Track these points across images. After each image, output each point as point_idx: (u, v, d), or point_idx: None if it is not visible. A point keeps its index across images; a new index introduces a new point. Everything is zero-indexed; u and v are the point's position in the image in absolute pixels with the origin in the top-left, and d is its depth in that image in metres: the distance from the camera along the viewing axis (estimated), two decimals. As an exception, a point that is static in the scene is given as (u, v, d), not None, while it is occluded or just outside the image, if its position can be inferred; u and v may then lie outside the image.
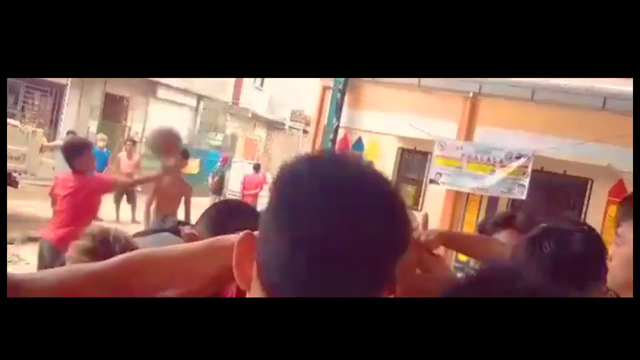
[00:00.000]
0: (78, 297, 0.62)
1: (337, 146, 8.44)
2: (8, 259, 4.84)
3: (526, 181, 7.12)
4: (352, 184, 0.48)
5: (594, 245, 1.09)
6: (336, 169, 0.49)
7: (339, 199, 0.46)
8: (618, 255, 1.12)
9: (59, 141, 10.12)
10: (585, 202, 7.08)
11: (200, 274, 0.67)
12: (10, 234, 6.51)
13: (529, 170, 7.13)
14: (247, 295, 0.52)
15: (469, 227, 7.61)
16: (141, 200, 8.99)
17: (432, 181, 7.82)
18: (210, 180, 11.33)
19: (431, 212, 7.59)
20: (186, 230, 1.38)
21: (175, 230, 1.41)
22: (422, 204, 8.16)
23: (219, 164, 11.66)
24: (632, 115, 5.77)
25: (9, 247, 6.11)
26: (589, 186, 7.07)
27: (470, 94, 7.66)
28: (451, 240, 1.27)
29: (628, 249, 1.09)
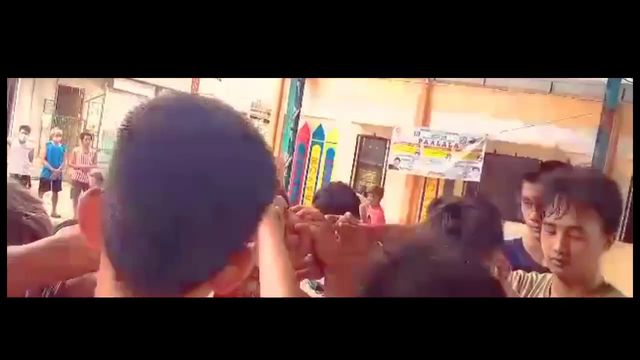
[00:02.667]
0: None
1: (298, 134, 8.50)
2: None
3: (480, 164, 7.38)
4: (194, 134, 0.42)
5: (485, 214, 1.13)
6: (176, 117, 0.43)
7: (178, 155, 0.41)
8: (587, 248, 1.08)
9: (11, 137, 9.77)
10: (536, 182, 7.39)
11: None
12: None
13: (483, 153, 7.38)
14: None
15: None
16: (100, 195, 8.81)
17: (391, 167, 7.99)
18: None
19: (391, 197, 7.67)
20: None
21: None
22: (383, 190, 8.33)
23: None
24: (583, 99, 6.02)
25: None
26: (538, 167, 7.38)
27: (426, 81, 7.83)
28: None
29: (595, 239, 1.08)
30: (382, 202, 6.67)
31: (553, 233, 1.12)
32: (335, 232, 0.99)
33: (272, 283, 0.81)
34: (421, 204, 8.13)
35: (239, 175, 0.43)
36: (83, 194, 0.48)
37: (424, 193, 8.16)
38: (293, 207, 0.99)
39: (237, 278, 0.47)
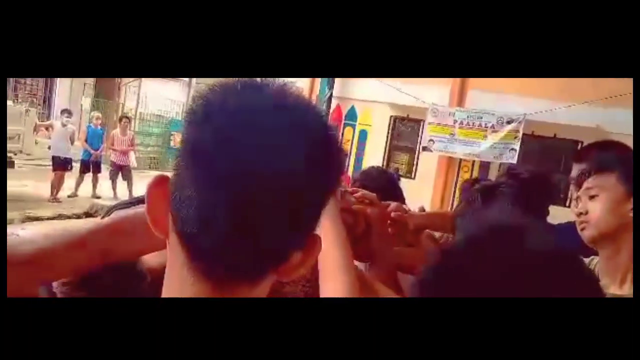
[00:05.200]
0: (60, 262, 0.65)
1: (331, 116, 8.46)
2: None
3: (517, 145, 7.19)
4: (272, 115, 0.43)
5: (522, 189, 1.10)
6: (254, 99, 0.44)
7: (257, 133, 0.41)
8: (601, 201, 1.13)
9: (53, 120, 10.08)
10: (576, 164, 7.16)
11: None
12: (8, 215, 6.59)
13: (520, 134, 7.19)
14: (167, 246, 0.48)
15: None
16: (137, 177, 9.04)
17: (424, 148, 7.87)
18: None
19: (424, 179, 7.56)
20: None
21: None
22: (415, 172, 8.23)
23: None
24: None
25: (9, 227, 6.20)
26: (578, 148, 7.14)
27: (461, 60, 7.65)
28: (430, 222, 1.22)
29: (611, 194, 1.12)
30: (416, 185, 6.60)
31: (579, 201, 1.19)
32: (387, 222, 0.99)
33: (332, 266, 0.81)
34: (455, 187, 8.01)
35: (312, 157, 0.43)
36: (150, 179, 0.47)
37: (458, 175, 8.03)
38: (350, 189, 0.98)
39: (303, 265, 0.47)
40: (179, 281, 0.46)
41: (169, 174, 0.47)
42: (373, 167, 2.08)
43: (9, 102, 8.67)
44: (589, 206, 1.16)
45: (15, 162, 8.20)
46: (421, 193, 6.66)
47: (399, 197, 1.70)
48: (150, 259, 0.88)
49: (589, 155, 1.48)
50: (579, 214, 1.17)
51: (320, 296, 0.81)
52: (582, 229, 1.17)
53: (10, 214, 6.60)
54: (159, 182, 0.47)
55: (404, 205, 1.13)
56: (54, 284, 0.88)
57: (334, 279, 0.80)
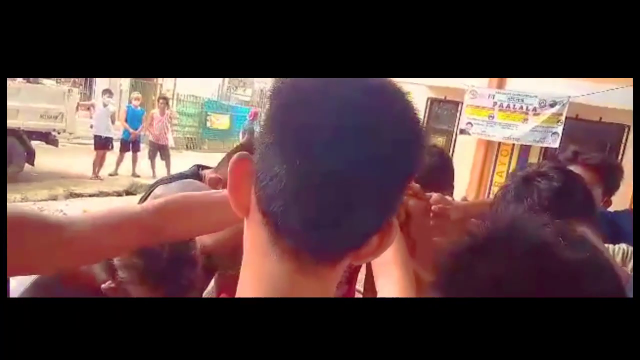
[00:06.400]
0: (114, 240, 0.68)
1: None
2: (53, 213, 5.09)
3: (560, 129, 6.94)
4: (362, 96, 0.43)
5: (559, 183, 0.99)
6: (342, 80, 0.44)
7: (346, 113, 0.41)
8: None
9: (94, 100, 10.35)
10: (622, 149, 6.87)
11: (232, 221, 0.68)
12: (53, 191, 6.84)
13: (563, 117, 6.93)
14: (245, 225, 0.48)
15: (500, 177, 7.54)
16: (175, 156, 9.21)
17: (462, 131, 7.70)
18: (241, 136, 11.46)
19: (461, 163, 7.40)
20: (209, 174, 1.39)
21: (197, 175, 1.43)
22: (452, 156, 8.08)
23: (248, 119, 11.75)
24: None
25: (53, 203, 6.44)
26: (625, 133, 6.84)
27: (503, 40, 7.40)
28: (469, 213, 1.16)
29: None
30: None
31: None
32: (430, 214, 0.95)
33: (388, 260, 0.79)
34: (493, 171, 7.83)
35: (399, 138, 0.43)
36: (233, 158, 0.47)
37: (496, 159, 7.84)
38: None
39: (379, 249, 0.47)
40: (261, 258, 0.46)
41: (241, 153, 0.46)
42: (433, 145, 2.00)
43: (53, 82, 8.90)
44: None
45: (59, 140, 8.45)
46: (458, 177, 6.50)
47: (449, 180, 1.65)
48: (205, 238, 0.89)
49: None
50: None
51: (377, 290, 0.80)
52: None
53: (54, 191, 6.85)
54: (242, 161, 0.46)
55: (447, 196, 1.09)
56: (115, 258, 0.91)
57: (391, 272, 0.79)
